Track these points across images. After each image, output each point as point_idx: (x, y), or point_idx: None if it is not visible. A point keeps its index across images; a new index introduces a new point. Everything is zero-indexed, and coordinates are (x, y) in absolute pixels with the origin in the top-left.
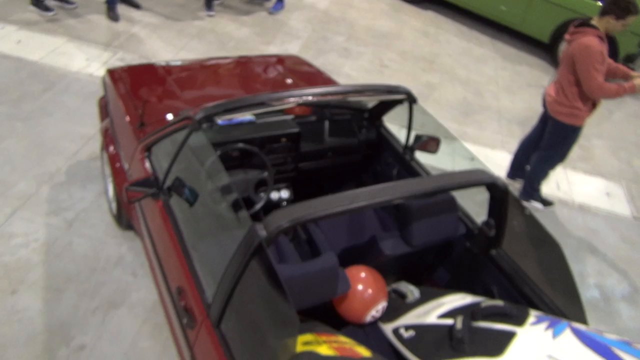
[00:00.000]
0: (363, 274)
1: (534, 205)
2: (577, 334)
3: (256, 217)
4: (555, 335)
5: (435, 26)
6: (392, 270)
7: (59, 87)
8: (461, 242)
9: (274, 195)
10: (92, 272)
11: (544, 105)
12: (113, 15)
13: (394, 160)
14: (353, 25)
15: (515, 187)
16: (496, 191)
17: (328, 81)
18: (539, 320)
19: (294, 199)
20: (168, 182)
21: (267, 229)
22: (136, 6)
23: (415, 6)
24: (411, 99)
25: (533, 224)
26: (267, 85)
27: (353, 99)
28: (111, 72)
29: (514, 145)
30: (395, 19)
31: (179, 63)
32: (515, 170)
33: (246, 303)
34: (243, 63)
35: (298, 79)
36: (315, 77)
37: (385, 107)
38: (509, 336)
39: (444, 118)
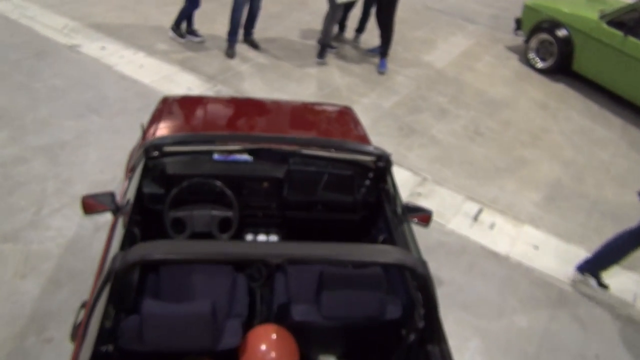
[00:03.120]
0: (273, 335)
1: (588, 281)
2: None
3: None
4: None
5: (558, 100)
6: (321, 342)
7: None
8: (397, 328)
9: (261, 238)
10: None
11: None
12: (230, 53)
13: (384, 226)
14: (463, 87)
15: (587, 282)
16: (417, 278)
17: (356, 137)
18: None
19: None
20: (126, 204)
21: (124, 260)
22: (255, 47)
23: (545, 76)
24: (386, 164)
25: None
26: (288, 128)
27: (324, 153)
28: (165, 99)
29: (596, 242)
30: (514, 87)
31: (228, 99)
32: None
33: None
34: (286, 106)
35: (324, 129)
36: (347, 131)
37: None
38: None
39: (523, 198)
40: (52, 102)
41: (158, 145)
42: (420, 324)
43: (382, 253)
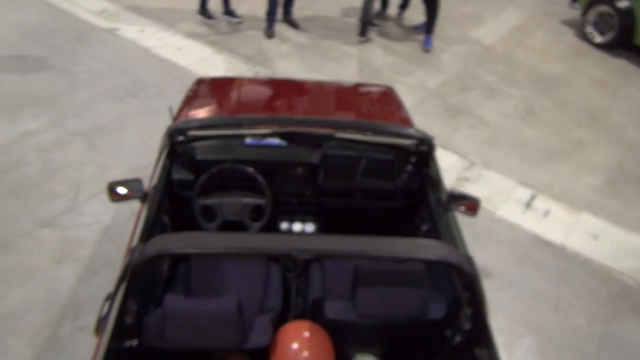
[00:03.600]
0: (306, 333)
1: None
2: None
3: None
4: None
5: (619, 77)
6: (359, 340)
7: None
8: (440, 329)
9: (297, 227)
10: None
11: None
12: (269, 33)
13: (428, 215)
14: (514, 65)
15: None
16: (463, 276)
17: (398, 119)
18: None
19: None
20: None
21: (142, 254)
22: (295, 26)
23: (603, 52)
24: (429, 148)
25: None
26: (325, 110)
27: (357, 136)
28: (199, 81)
29: None
30: (570, 64)
31: (264, 80)
32: None
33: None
34: (324, 87)
35: (364, 110)
36: (389, 113)
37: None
38: None
39: (580, 183)
40: (90, 86)
41: (183, 129)
42: (467, 326)
43: (424, 248)
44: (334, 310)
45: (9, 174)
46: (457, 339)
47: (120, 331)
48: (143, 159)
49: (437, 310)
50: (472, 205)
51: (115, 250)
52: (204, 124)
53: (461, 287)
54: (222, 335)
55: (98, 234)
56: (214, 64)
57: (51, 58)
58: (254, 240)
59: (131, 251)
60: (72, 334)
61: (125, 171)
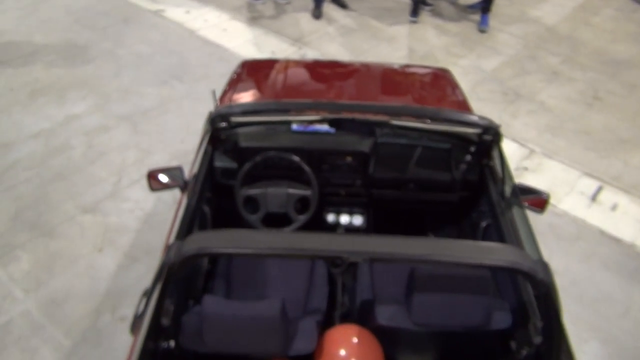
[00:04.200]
0: (354, 339)
1: None
2: None
3: None
4: None
5: None
6: (411, 347)
7: None
8: (504, 341)
9: (345, 219)
10: None
11: None
12: (317, 13)
13: (488, 210)
14: (579, 46)
15: None
16: (536, 285)
17: (455, 104)
18: None
19: (367, 228)
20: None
21: (178, 253)
22: (343, 6)
23: None
24: (495, 137)
25: None
26: (376, 94)
27: (414, 124)
28: (243, 63)
29: None
30: None
31: (312, 62)
32: None
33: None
34: (375, 69)
35: (418, 94)
36: (445, 97)
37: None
38: None
39: None
40: (135, 69)
41: (225, 114)
42: (537, 339)
43: (491, 253)
44: (386, 316)
45: (54, 158)
46: (524, 352)
47: (156, 332)
48: (187, 143)
49: (502, 320)
50: (540, 201)
51: (156, 237)
52: (247, 110)
53: (532, 294)
54: (265, 340)
55: (139, 220)
56: (259, 45)
57: (98, 41)
58: (301, 240)
59: (168, 249)
60: (111, 325)
61: (168, 156)
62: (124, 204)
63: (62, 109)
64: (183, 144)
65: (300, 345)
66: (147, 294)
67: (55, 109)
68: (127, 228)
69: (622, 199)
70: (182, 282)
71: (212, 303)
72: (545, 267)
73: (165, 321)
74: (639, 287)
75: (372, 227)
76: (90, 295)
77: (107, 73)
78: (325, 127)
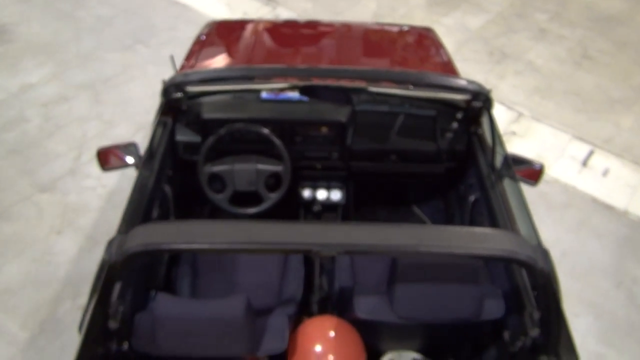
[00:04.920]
0: (330, 332)
1: None
2: None
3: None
4: None
5: None
6: (394, 338)
7: None
8: (496, 330)
9: (322, 194)
10: None
11: None
12: None
13: (477, 183)
14: (568, 1)
15: None
16: (534, 274)
17: (440, 66)
18: None
19: (346, 203)
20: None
21: (120, 250)
22: None
23: None
24: (485, 104)
25: None
26: (355, 57)
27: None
28: (210, 25)
29: None
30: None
31: (285, 23)
32: None
33: None
34: (353, 29)
35: (400, 57)
36: (428, 58)
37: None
38: None
39: None
40: (96, 33)
41: (180, 83)
42: (533, 332)
43: (482, 241)
44: (365, 309)
45: (8, 132)
46: (519, 343)
47: (104, 335)
48: (152, 113)
49: (494, 309)
50: (532, 171)
51: (119, 217)
52: (205, 78)
53: (529, 284)
54: (228, 342)
55: (102, 199)
56: (231, 6)
57: (54, 2)
58: (264, 232)
59: (108, 244)
60: (72, 313)
61: (133, 127)
62: (85, 181)
63: (15, 78)
64: (149, 115)
65: (270, 345)
66: (90, 295)
67: (8, 78)
68: (88, 207)
69: (614, 164)
70: (140, 270)
71: (165, 303)
72: (545, 254)
73: (113, 324)
74: (633, 257)
75: (352, 202)
76: (48, 282)
77: (65, 38)
78: (297, 95)
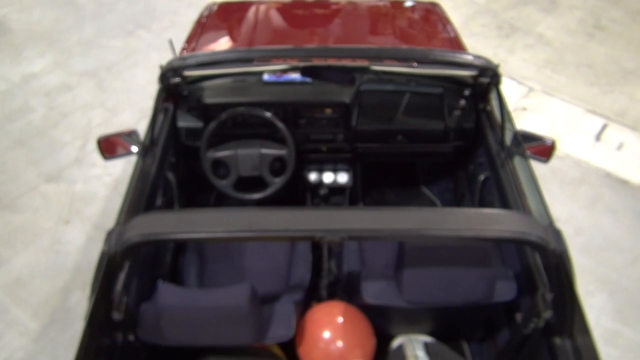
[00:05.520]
0: (339, 318)
1: None
2: None
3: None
4: None
5: None
6: (404, 322)
7: None
8: (508, 312)
9: (328, 177)
10: None
11: None
12: None
13: (486, 162)
14: None
15: None
16: (547, 255)
17: (446, 41)
18: None
19: (353, 185)
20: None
21: (119, 240)
22: None
23: None
24: (492, 79)
25: None
26: (358, 35)
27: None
28: (211, 6)
29: None
30: None
31: (287, 2)
32: None
33: None
34: (358, 6)
35: (405, 33)
36: (434, 34)
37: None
38: None
39: None
40: (98, 19)
41: (178, 68)
42: (546, 314)
43: (492, 222)
44: (373, 293)
45: (12, 122)
46: (531, 325)
47: (109, 327)
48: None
49: (506, 291)
50: (543, 148)
51: None
52: (203, 61)
53: (541, 264)
54: (234, 331)
55: (108, 187)
56: None
57: None
58: (267, 219)
59: (107, 235)
60: (82, 303)
61: (137, 114)
62: (91, 170)
63: (18, 68)
64: (152, 101)
65: (278, 332)
66: (92, 286)
67: (11, 67)
68: (95, 196)
69: (628, 137)
70: (146, 259)
71: (169, 293)
72: (557, 234)
73: (117, 315)
74: None
75: (360, 184)
76: (57, 272)
77: (67, 25)
78: (300, 76)
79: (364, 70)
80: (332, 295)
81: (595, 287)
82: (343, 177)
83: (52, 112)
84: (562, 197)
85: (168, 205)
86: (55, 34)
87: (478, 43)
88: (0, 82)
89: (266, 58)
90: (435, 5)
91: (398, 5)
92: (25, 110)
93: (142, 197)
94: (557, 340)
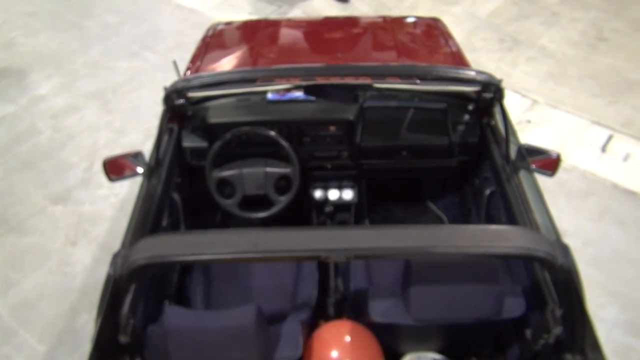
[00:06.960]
0: (346, 337)
1: None
2: None
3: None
4: None
5: None
6: (412, 340)
7: None
8: (518, 329)
9: (333, 194)
10: None
11: None
12: None
13: (492, 176)
14: None
15: None
16: (555, 271)
17: (449, 56)
18: None
19: (359, 202)
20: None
21: (125, 263)
22: None
23: None
24: (496, 94)
25: None
26: (361, 53)
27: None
28: (213, 28)
29: None
30: None
31: (289, 21)
32: None
33: None
34: (360, 23)
35: (407, 49)
36: (437, 50)
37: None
38: None
39: None
40: (103, 42)
41: (182, 89)
42: (556, 330)
43: (498, 239)
44: (380, 312)
45: (20, 144)
46: (541, 342)
47: (115, 351)
48: None
49: (514, 308)
50: (549, 161)
51: None
52: (206, 82)
53: (550, 280)
54: (241, 353)
55: (115, 208)
56: (236, 6)
57: (62, 13)
58: (272, 240)
59: (112, 258)
60: (89, 325)
61: (142, 135)
62: (98, 191)
63: (25, 91)
64: (159, 121)
65: (285, 352)
66: (98, 309)
67: (18, 90)
68: (101, 217)
69: (635, 148)
70: (152, 280)
71: (175, 315)
72: (564, 249)
73: (123, 338)
74: None
75: (365, 200)
76: (65, 294)
77: (73, 48)
78: (304, 95)
79: (367, 87)
80: (339, 313)
81: (605, 300)
82: (348, 194)
83: (59, 134)
84: (569, 210)
85: (174, 226)
86: (61, 57)
87: (481, 57)
88: (7, 105)
89: (270, 78)
90: (436, 20)
91: (399, 21)
92: (32, 132)
93: (147, 219)
94: (568, 357)
